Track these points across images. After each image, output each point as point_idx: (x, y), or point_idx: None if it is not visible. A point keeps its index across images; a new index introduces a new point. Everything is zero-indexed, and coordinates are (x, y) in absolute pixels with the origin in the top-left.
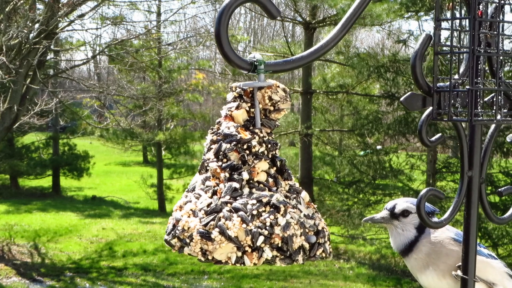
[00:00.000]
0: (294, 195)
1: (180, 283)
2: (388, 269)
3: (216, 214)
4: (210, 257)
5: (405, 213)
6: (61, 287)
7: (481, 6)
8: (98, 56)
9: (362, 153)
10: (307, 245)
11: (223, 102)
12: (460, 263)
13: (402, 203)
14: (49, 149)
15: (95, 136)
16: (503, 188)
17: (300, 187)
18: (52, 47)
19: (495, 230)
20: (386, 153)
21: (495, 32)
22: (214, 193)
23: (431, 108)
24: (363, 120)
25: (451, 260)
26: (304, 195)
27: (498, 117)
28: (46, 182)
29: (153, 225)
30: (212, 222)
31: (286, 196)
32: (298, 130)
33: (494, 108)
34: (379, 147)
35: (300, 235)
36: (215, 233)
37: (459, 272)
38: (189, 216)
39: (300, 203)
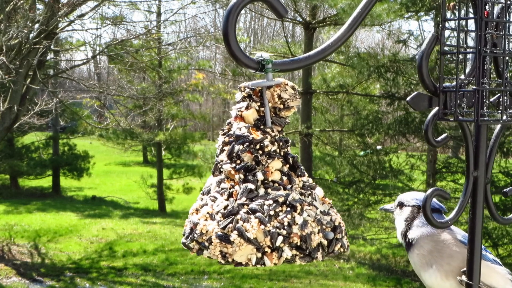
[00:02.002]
0: (309, 192)
1: (180, 283)
2: (388, 269)
3: (233, 216)
4: (230, 260)
5: (400, 205)
6: (61, 287)
7: (487, 7)
8: (98, 56)
9: (362, 153)
10: (325, 242)
11: (223, 103)
12: (465, 267)
13: (403, 195)
14: (49, 149)
15: (95, 136)
16: (508, 189)
17: (314, 183)
18: (52, 47)
19: (495, 230)
20: (386, 153)
21: (501, 33)
22: (230, 195)
23: (437, 108)
24: (363, 120)
25: (455, 261)
26: (319, 191)
27: (504, 117)
28: (46, 182)
29: (153, 225)
30: (230, 225)
31: (301, 193)
32: (298, 130)
33: (500, 108)
34: (379, 147)
35: (318, 232)
36: (234, 236)
37: (464, 277)
38: (206, 220)
39: (315, 200)
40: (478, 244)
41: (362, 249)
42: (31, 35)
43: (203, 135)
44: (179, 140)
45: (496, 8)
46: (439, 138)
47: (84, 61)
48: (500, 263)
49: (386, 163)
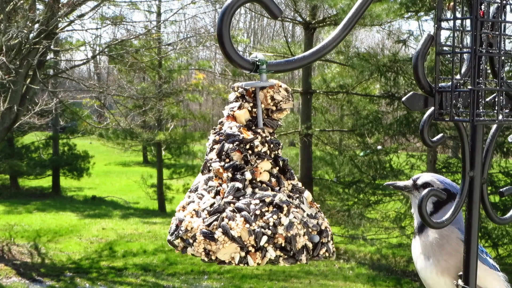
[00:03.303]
0: (297, 195)
1: (180, 283)
2: (388, 269)
3: (219, 214)
4: (213, 258)
5: (427, 185)
6: (61, 287)
7: (483, 6)
8: (98, 56)
9: (362, 153)
10: (310, 245)
11: (223, 103)
12: (462, 269)
13: (427, 176)
14: (49, 149)
15: (95, 136)
16: (504, 189)
17: (303, 187)
18: (52, 47)
19: (495, 230)
20: (386, 153)
21: (497, 33)
22: (217, 193)
23: (432, 108)
24: (363, 120)
25: (453, 260)
26: (307, 194)
27: (500, 117)
28: (46, 182)
29: (153, 225)
30: (215, 222)
31: (289, 196)
32: (298, 130)
33: (496, 108)
34: (379, 147)
35: (304, 235)
36: (218, 233)
37: (460, 282)
38: (192, 217)
39: (303, 203)
40: (474, 244)
41: (362, 249)
42: (31, 35)
43: (203, 135)
44: (179, 140)
45: (492, 8)
46: (434, 139)
47: (84, 61)
48: (499, 269)
49: (386, 163)
